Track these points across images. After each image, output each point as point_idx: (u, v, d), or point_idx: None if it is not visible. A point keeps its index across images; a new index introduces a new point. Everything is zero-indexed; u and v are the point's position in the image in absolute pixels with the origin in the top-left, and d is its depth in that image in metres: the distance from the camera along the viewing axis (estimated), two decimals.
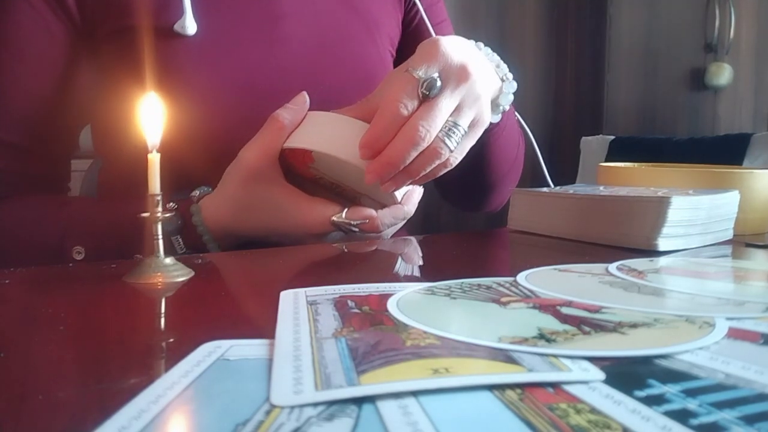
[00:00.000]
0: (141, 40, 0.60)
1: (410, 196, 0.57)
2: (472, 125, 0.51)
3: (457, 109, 0.49)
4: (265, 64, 0.63)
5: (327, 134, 0.51)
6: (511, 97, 0.58)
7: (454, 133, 0.49)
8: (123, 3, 0.61)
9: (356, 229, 0.53)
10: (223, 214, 0.55)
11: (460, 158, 0.51)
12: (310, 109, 0.53)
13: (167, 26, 0.59)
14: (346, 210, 0.53)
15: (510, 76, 0.57)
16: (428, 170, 0.49)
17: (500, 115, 0.59)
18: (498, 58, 0.58)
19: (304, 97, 0.53)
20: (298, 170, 0.55)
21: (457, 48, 0.49)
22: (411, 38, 0.76)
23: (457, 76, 0.48)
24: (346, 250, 0.51)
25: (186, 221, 0.55)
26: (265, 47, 0.63)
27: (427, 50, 0.49)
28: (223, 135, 0.58)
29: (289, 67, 0.64)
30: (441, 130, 0.48)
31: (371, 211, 0.54)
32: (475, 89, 0.50)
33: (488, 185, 0.74)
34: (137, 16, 0.60)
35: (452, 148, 0.49)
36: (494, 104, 0.57)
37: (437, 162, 0.49)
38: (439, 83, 0.47)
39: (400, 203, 0.56)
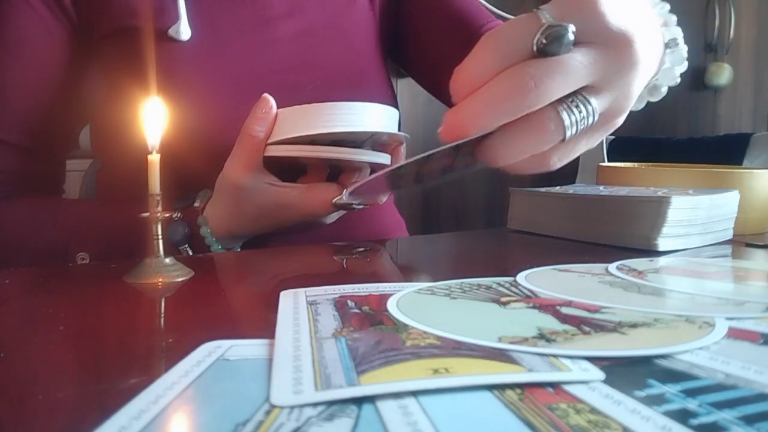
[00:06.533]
0: (136, 43, 0.60)
1: (396, 154, 0.57)
2: (605, 117, 0.36)
3: (594, 87, 0.34)
4: (257, 65, 0.63)
5: (299, 126, 0.51)
6: (676, 76, 0.42)
7: (579, 109, 0.33)
8: (119, 5, 0.61)
9: (358, 207, 0.54)
10: (228, 224, 0.55)
11: (566, 161, 0.37)
12: (300, 104, 0.53)
13: (162, 30, 0.60)
14: (345, 191, 0.54)
15: (679, 40, 0.40)
16: (519, 153, 0.34)
17: (644, 103, 0.44)
18: (667, 9, 0.41)
19: (269, 102, 0.52)
20: (288, 160, 0.55)
21: (618, 7, 0.34)
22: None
23: (610, 41, 0.34)
24: (355, 256, 0.51)
25: (194, 232, 0.55)
26: (257, 49, 0.64)
27: None
28: (219, 135, 0.59)
29: (281, 67, 0.64)
30: (562, 101, 0.33)
31: None
32: (630, 72, 0.35)
33: None
34: (133, 18, 0.60)
35: (568, 130, 0.33)
36: (649, 85, 0.42)
37: (538, 144, 0.34)
38: (570, 36, 0.32)
39: (389, 164, 0.56)
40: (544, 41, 0.32)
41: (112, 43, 0.62)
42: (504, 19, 0.70)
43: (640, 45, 0.34)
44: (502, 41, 0.33)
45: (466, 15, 0.71)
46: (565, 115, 0.33)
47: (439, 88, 0.75)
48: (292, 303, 0.32)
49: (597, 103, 0.34)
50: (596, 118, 0.34)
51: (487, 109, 0.32)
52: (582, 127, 0.34)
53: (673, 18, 0.41)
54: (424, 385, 0.21)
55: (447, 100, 0.74)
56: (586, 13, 0.33)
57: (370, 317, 0.29)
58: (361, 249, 0.53)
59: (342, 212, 0.58)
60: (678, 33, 0.41)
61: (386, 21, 0.75)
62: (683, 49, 0.41)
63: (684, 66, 0.42)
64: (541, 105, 0.32)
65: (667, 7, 0.41)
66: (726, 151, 1.73)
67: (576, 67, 0.33)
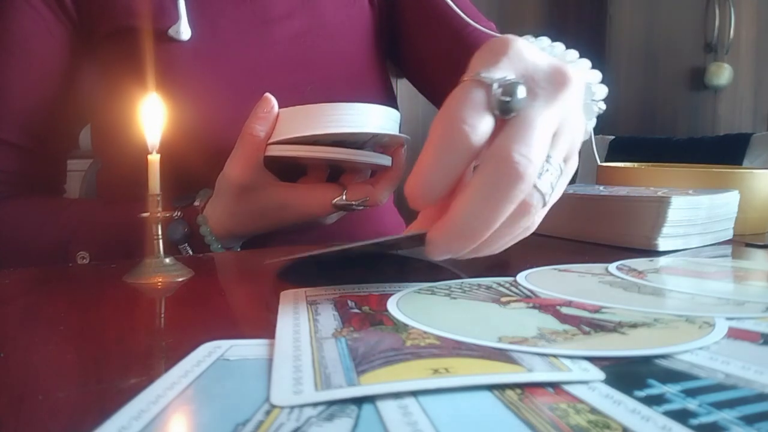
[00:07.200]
0: (136, 43, 0.60)
1: (397, 155, 0.57)
2: (565, 161, 0.34)
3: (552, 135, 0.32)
4: (257, 66, 0.63)
5: (301, 126, 0.51)
6: (594, 110, 0.38)
7: (548, 172, 0.31)
8: (119, 5, 0.61)
9: (358, 208, 0.54)
10: (228, 223, 0.55)
11: (543, 215, 0.35)
12: (301, 104, 0.53)
13: (162, 30, 0.60)
14: (345, 191, 0.54)
15: (583, 74, 0.38)
16: (510, 238, 0.33)
17: None
18: (561, 48, 0.39)
19: (271, 102, 0.52)
20: (288, 160, 0.55)
21: (533, 48, 0.33)
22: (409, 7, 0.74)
23: (552, 80, 0.32)
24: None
25: (194, 231, 0.55)
26: (257, 49, 0.64)
27: (496, 48, 0.32)
28: (219, 135, 0.59)
29: (281, 68, 0.64)
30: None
31: (369, 188, 0.55)
32: (573, 104, 0.33)
33: None
34: (133, 18, 0.60)
35: (548, 197, 0.31)
36: None
37: (525, 222, 0.32)
38: (522, 90, 0.30)
39: (390, 166, 0.56)
40: (507, 98, 0.29)
41: (113, 43, 0.62)
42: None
43: (573, 75, 0.33)
44: (459, 126, 0.29)
45: (450, 16, 0.71)
46: (540, 185, 0.30)
47: (427, 88, 0.77)
48: (292, 303, 0.32)
49: (555, 153, 0.32)
50: (563, 170, 0.32)
51: (484, 224, 0.29)
52: (555, 185, 0.32)
53: (573, 53, 0.38)
54: (424, 385, 0.21)
55: (435, 101, 0.75)
56: (514, 60, 0.31)
57: (370, 317, 0.29)
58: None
59: (342, 213, 0.58)
60: (582, 66, 0.38)
61: (385, 21, 0.75)
62: (591, 82, 0.37)
63: (603, 93, 0.38)
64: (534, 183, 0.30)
65: (561, 46, 0.38)
66: (726, 151, 1.73)
67: (542, 121, 0.30)
